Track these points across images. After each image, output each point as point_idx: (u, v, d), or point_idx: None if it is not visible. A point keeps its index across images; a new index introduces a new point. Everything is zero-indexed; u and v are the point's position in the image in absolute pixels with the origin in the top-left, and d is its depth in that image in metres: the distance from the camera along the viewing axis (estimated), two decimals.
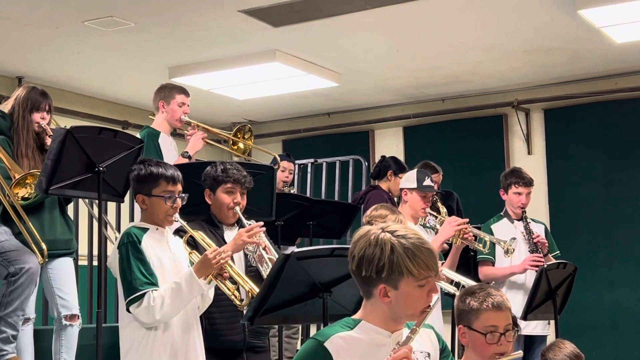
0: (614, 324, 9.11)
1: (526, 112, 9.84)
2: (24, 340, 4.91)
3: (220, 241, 4.43)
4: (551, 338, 6.19)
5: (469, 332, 3.33)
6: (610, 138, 9.39)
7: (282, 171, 7.14)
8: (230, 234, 4.48)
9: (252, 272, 4.40)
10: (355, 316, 2.86)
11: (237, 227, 4.55)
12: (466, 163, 9.91)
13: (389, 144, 10.53)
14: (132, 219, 5.86)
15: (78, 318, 5.02)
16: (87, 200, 6.22)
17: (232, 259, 4.06)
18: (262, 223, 4.39)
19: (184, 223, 4.08)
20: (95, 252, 6.67)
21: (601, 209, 9.37)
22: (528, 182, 6.19)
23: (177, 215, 4.01)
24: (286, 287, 3.49)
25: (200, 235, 4.15)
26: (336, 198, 8.27)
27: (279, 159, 7.17)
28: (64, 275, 4.98)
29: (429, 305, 2.76)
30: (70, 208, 5.33)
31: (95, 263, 6.63)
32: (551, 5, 7.16)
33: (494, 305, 3.30)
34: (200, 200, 4.64)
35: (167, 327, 3.89)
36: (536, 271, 5.79)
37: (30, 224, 4.65)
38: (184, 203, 4.05)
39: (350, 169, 8.74)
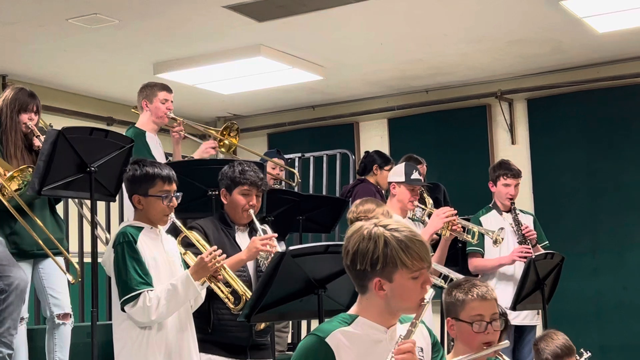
0: (598, 311, 9.18)
1: (509, 103, 9.89)
2: (17, 339, 4.91)
3: (233, 242, 4.49)
4: (540, 327, 6.29)
5: (456, 323, 3.40)
6: (594, 127, 9.45)
7: (273, 168, 7.16)
8: (241, 235, 4.54)
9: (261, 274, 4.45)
10: (351, 312, 2.89)
11: (249, 228, 4.60)
12: (450, 153, 9.96)
13: (373, 135, 10.57)
14: (121, 217, 5.88)
15: (70, 317, 5.04)
16: (76, 199, 6.23)
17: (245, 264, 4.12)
18: (276, 235, 4.46)
19: (179, 223, 4.11)
20: (86, 249, 6.70)
21: (584, 198, 9.45)
22: (516, 174, 6.24)
23: (172, 215, 4.04)
24: (282, 284, 3.53)
25: (195, 237, 4.18)
26: (324, 192, 8.30)
27: (268, 158, 7.18)
28: (55, 275, 5.00)
29: (424, 298, 2.81)
30: (59, 207, 5.33)
31: (87, 260, 6.66)
32: None
33: (479, 295, 3.39)
34: (191, 197, 4.67)
35: (161, 327, 3.93)
36: (525, 262, 5.87)
37: (35, 218, 4.67)
38: (179, 202, 4.07)
39: (338, 162, 8.77)
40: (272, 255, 4.33)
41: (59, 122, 5.39)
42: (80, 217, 6.55)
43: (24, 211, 4.77)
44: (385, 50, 8.62)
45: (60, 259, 5.01)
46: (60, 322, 4.96)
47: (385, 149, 10.14)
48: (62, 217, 5.84)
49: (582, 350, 5.07)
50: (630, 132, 9.26)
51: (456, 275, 5.53)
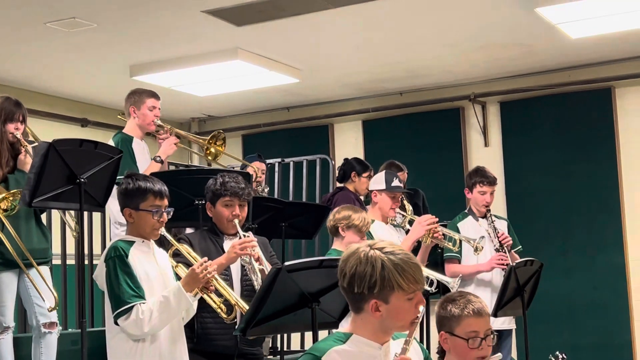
0: (570, 311, 9.33)
1: (482, 105, 10.00)
2: (3, 348, 4.95)
3: (219, 250, 4.57)
4: (514, 331, 6.43)
5: (450, 337, 3.47)
6: (565, 130, 9.58)
7: (254, 172, 7.21)
8: (229, 244, 4.60)
9: (247, 282, 4.52)
10: (346, 330, 2.97)
11: (238, 237, 4.66)
12: (424, 155, 10.04)
13: (348, 137, 10.65)
14: (102, 226, 5.88)
15: (57, 325, 5.07)
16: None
17: (229, 270, 4.17)
18: (254, 238, 4.52)
19: (170, 237, 4.16)
20: (69, 251, 6.77)
21: (557, 200, 9.58)
22: (492, 182, 6.34)
23: (162, 229, 4.09)
24: (277, 298, 3.59)
25: (185, 249, 4.23)
26: (304, 197, 8.36)
27: (248, 163, 7.22)
28: (41, 284, 5.01)
29: (417, 317, 2.90)
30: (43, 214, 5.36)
31: (70, 262, 6.71)
32: (510, 3, 7.31)
33: (475, 311, 3.46)
34: (178, 206, 4.72)
35: (154, 339, 3.98)
36: (502, 269, 5.99)
37: (13, 232, 4.69)
38: (169, 217, 4.12)
39: (317, 167, 8.83)
40: (253, 258, 4.44)
41: (33, 124, 5.40)
42: (63, 223, 6.57)
43: (9, 221, 4.80)
44: (361, 54, 8.70)
45: (46, 269, 5.03)
46: (46, 331, 5.00)
47: (360, 151, 10.25)
48: (46, 219, 5.89)
49: (557, 352, 5.19)
50: (601, 135, 9.40)
51: (440, 277, 5.64)
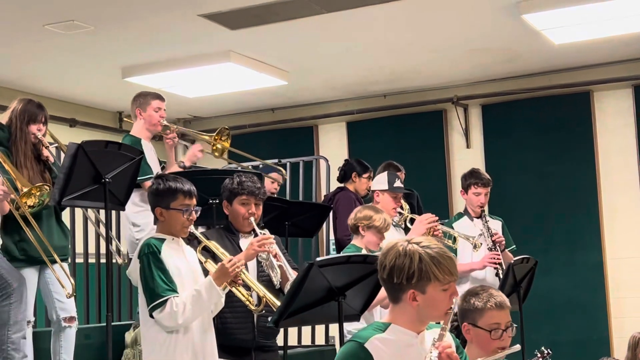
0: (550, 308, 9.56)
1: (465, 108, 10.24)
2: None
3: (236, 247, 4.75)
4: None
5: (473, 329, 3.70)
6: (545, 132, 9.85)
7: (272, 182, 7.43)
8: (245, 242, 4.78)
9: (264, 277, 4.71)
10: (384, 320, 3.20)
11: (253, 235, 4.85)
12: (407, 157, 10.12)
13: (332, 138, 10.85)
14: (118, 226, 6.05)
15: (75, 320, 5.25)
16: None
17: (246, 266, 4.37)
18: (271, 236, 4.71)
19: (199, 235, 4.36)
20: (91, 250, 6.94)
21: (537, 200, 9.84)
22: (486, 183, 6.59)
23: (192, 227, 4.29)
24: (308, 292, 3.79)
25: (214, 245, 4.43)
26: (300, 197, 8.55)
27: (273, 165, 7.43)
28: (61, 280, 5.18)
29: (451, 307, 3.13)
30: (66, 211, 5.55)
31: (91, 260, 6.88)
32: (497, 10, 7.54)
33: (497, 304, 3.70)
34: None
35: (187, 330, 4.18)
36: (495, 268, 6.24)
37: (38, 230, 4.85)
38: (198, 216, 4.31)
39: (314, 168, 9.02)
40: (271, 254, 4.63)
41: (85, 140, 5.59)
42: (85, 219, 6.75)
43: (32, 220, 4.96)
44: (349, 57, 8.89)
45: (65, 266, 5.20)
46: (66, 325, 5.18)
47: (344, 152, 10.45)
48: (70, 218, 6.04)
49: (542, 348, 5.42)
50: (580, 137, 9.69)
51: None
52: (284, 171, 7.84)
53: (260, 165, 7.86)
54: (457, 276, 3.16)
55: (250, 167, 7.45)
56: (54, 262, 5.08)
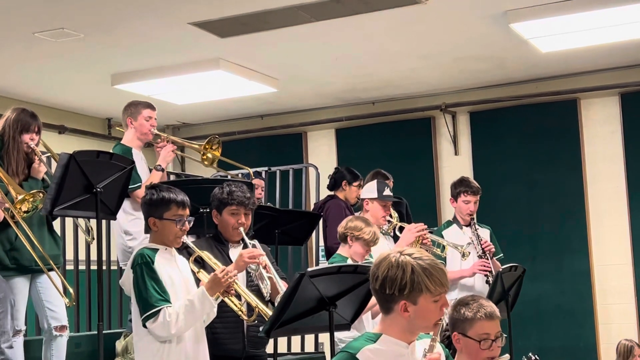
0: (538, 315, 9.62)
1: (453, 115, 10.30)
2: (15, 351, 5.12)
3: (226, 258, 4.78)
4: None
5: (463, 338, 3.75)
6: (533, 139, 9.91)
7: (256, 188, 7.42)
8: (234, 251, 4.81)
9: (253, 287, 4.74)
10: (375, 330, 3.25)
11: (242, 245, 4.88)
12: (396, 163, 10.18)
13: (321, 145, 10.89)
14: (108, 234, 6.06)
15: (66, 328, 5.27)
16: None
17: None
18: (262, 252, 4.73)
19: (192, 245, 4.39)
20: (81, 257, 6.96)
21: (524, 207, 9.90)
22: (476, 191, 6.64)
23: (184, 237, 4.31)
24: (299, 302, 3.83)
25: (207, 255, 4.46)
26: (290, 205, 8.58)
27: (252, 173, 7.44)
28: (52, 289, 5.21)
29: (441, 318, 3.17)
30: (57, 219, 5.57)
31: (81, 267, 6.90)
32: (485, 19, 7.60)
33: (487, 315, 3.74)
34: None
35: (180, 340, 4.21)
36: (485, 275, 6.29)
37: (31, 235, 4.88)
38: (191, 226, 4.34)
39: (304, 176, 9.05)
40: (260, 266, 4.66)
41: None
42: (75, 226, 6.77)
43: (23, 228, 4.98)
44: (338, 65, 8.93)
45: (55, 275, 5.22)
46: (57, 334, 5.20)
47: (333, 159, 10.50)
48: (60, 226, 6.06)
49: (530, 354, 5.48)
50: (568, 144, 9.76)
51: None
52: (262, 175, 7.84)
53: (240, 175, 7.85)
54: (448, 287, 3.21)
55: (239, 175, 7.46)
56: (50, 269, 5.11)
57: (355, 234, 5.47)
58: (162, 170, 6.05)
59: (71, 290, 5.13)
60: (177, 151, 6.39)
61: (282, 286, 4.60)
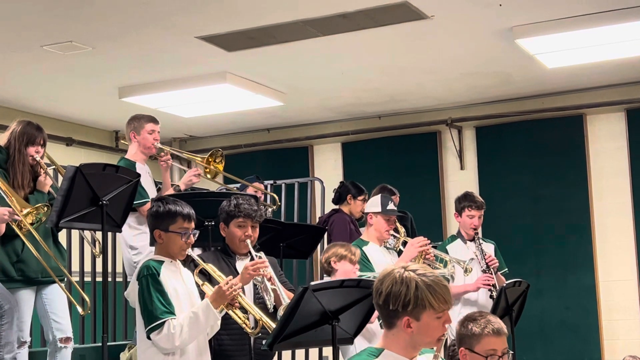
0: (542, 329, 9.63)
1: (459, 130, 10.32)
2: None
3: (232, 270, 4.80)
4: None
5: (470, 354, 3.77)
6: (538, 154, 9.93)
7: (256, 192, 7.45)
8: (241, 264, 4.83)
9: (260, 300, 4.76)
10: (377, 346, 3.25)
11: (249, 257, 4.90)
12: (402, 178, 10.22)
13: (327, 159, 10.92)
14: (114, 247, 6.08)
15: (71, 340, 5.29)
16: None
17: (243, 289, 4.42)
18: (265, 259, 4.75)
19: (197, 257, 4.42)
20: (87, 269, 6.99)
21: (529, 222, 9.90)
22: (480, 206, 6.66)
23: (189, 250, 4.34)
24: (302, 316, 3.84)
25: (211, 268, 4.48)
26: (295, 219, 8.61)
27: (248, 183, 7.45)
28: (57, 301, 5.25)
29: (443, 334, 3.19)
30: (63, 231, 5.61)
31: (86, 279, 6.94)
32: (491, 34, 7.63)
33: (494, 331, 3.76)
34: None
35: (183, 352, 4.24)
36: (489, 289, 6.30)
37: (45, 245, 4.93)
38: (196, 239, 4.37)
39: (309, 190, 9.08)
40: (265, 278, 4.69)
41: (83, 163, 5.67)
42: (82, 238, 6.81)
43: (31, 239, 5.02)
44: (345, 79, 8.97)
45: (61, 287, 5.25)
46: (62, 346, 5.22)
47: (339, 173, 10.53)
48: (66, 237, 6.08)
49: None
50: (573, 160, 9.77)
51: None
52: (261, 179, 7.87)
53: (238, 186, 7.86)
54: (452, 304, 3.23)
55: (235, 188, 7.46)
56: (51, 283, 5.14)
57: (334, 258, 5.51)
58: (179, 191, 6.09)
59: (87, 298, 5.15)
60: (184, 166, 6.42)
61: (286, 299, 4.62)
